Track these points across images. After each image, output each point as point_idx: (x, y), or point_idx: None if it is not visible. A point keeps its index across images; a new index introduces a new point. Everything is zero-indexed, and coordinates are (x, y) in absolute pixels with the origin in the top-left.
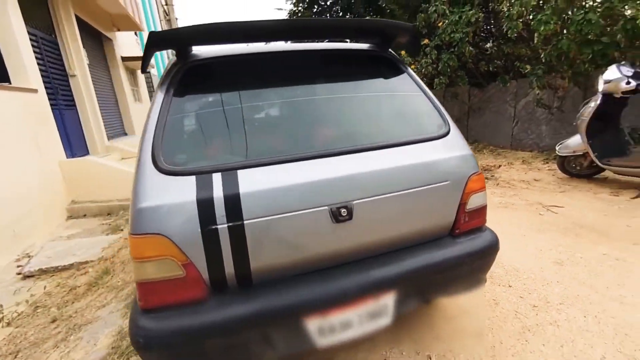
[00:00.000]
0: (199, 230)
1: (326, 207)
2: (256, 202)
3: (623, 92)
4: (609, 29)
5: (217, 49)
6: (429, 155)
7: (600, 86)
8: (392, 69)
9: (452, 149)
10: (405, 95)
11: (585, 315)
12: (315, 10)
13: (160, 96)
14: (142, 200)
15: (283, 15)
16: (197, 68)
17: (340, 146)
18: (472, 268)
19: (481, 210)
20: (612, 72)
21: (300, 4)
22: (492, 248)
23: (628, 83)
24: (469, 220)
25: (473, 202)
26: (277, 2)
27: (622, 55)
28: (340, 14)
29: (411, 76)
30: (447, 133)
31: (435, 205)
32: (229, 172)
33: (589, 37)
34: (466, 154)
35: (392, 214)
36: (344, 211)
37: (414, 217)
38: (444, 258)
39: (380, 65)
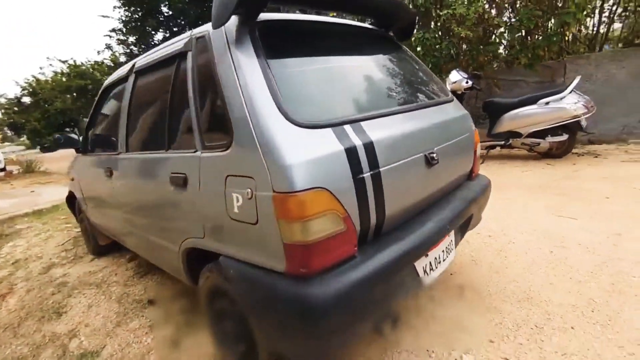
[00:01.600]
0: (352, 180)
1: (422, 154)
2: (383, 151)
3: (464, 89)
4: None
5: (271, 15)
6: (455, 113)
7: (449, 86)
8: (400, 48)
9: (460, 109)
10: (417, 68)
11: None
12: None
13: (245, 55)
14: (293, 154)
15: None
16: (269, 29)
17: (406, 104)
18: (480, 205)
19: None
20: (455, 76)
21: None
22: (490, 187)
23: (467, 82)
24: (476, 165)
25: (477, 151)
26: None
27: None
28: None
29: (412, 55)
30: (453, 98)
31: (466, 152)
32: (354, 123)
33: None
34: (467, 113)
35: (453, 159)
36: (434, 156)
37: (460, 163)
38: (473, 196)
39: (392, 44)
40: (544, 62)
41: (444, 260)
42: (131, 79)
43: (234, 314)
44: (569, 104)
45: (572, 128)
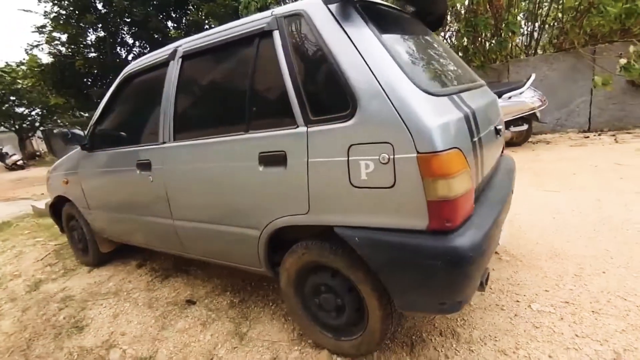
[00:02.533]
0: (470, 143)
1: (492, 126)
2: (479, 119)
3: None
4: None
5: None
6: (492, 95)
7: None
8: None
9: (492, 93)
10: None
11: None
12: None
13: (360, 30)
14: (432, 118)
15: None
16: (365, 8)
17: (470, 83)
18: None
19: None
20: None
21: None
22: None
23: None
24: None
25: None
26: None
27: None
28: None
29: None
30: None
31: (503, 131)
32: (458, 94)
33: None
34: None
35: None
36: (499, 129)
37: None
38: (512, 168)
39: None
40: (491, 64)
41: (504, 221)
42: (174, 64)
43: (337, 286)
44: (528, 97)
45: (530, 119)
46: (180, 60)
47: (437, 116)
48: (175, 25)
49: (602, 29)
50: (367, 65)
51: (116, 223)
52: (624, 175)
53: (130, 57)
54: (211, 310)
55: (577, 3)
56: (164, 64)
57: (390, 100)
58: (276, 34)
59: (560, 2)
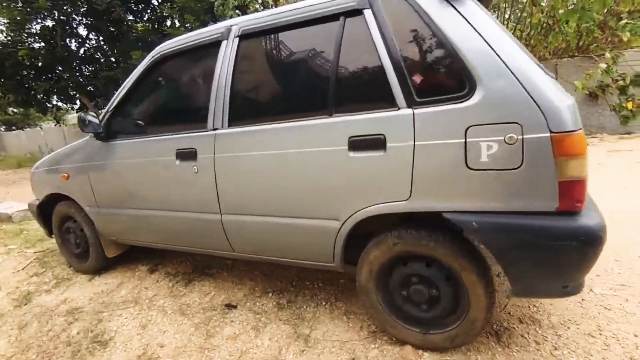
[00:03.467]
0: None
1: None
2: None
3: None
4: None
5: None
6: None
7: None
8: None
9: None
10: None
11: None
12: None
13: (472, 8)
14: (562, 99)
15: None
16: None
17: None
18: None
19: None
20: None
21: None
22: None
23: None
24: None
25: None
26: None
27: None
28: None
29: None
30: None
31: None
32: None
33: None
34: None
35: None
36: None
37: None
38: None
39: None
40: None
41: None
42: (229, 44)
43: (433, 276)
44: None
45: None
46: (237, 39)
47: (563, 97)
48: (135, 19)
49: (563, 45)
50: (487, 43)
51: (135, 221)
52: (607, 172)
53: (82, 51)
54: (258, 313)
55: (542, 22)
56: (212, 44)
57: (518, 80)
58: (368, 13)
59: (528, 20)
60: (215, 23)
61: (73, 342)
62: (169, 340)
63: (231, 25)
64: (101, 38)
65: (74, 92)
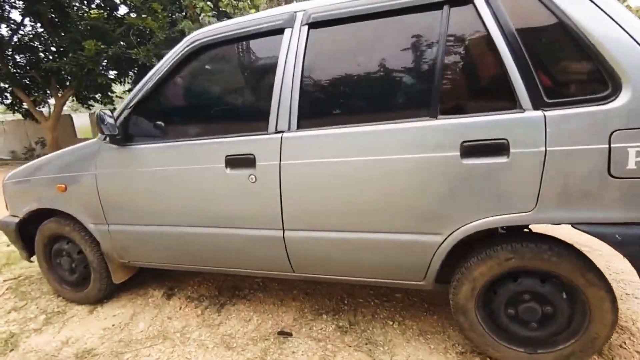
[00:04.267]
0: None
1: None
2: None
3: None
4: None
5: None
6: None
7: None
8: None
9: None
10: None
11: None
12: None
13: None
14: None
15: None
16: None
17: None
18: None
19: None
20: None
21: None
22: None
23: None
24: None
25: None
26: None
27: None
28: None
29: None
30: None
31: None
32: None
33: None
34: None
35: None
36: None
37: None
38: None
39: None
40: None
41: None
42: (295, 33)
43: (548, 293)
44: None
45: None
46: (307, 28)
47: None
48: (82, 4)
49: None
50: (633, 38)
51: (162, 240)
52: None
53: (15, 39)
54: (319, 340)
55: None
56: (270, 33)
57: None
58: (480, 3)
59: None
60: (182, 13)
61: None
62: None
63: (295, 12)
64: (39, 25)
65: (7, 85)
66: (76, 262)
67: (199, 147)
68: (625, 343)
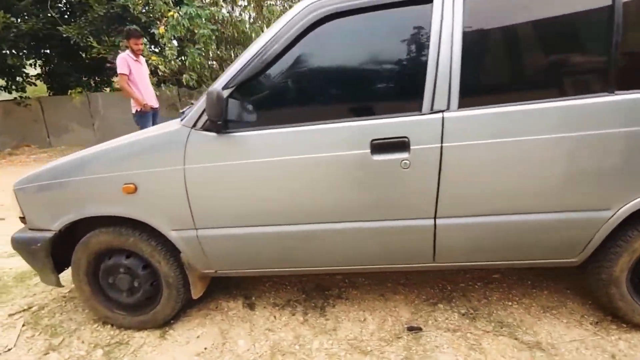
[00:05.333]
0: None
1: None
2: None
3: None
4: None
5: None
6: None
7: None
8: None
9: None
10: None
11: None
12: None
13: None
14: None
15: None
16: None
17: None
18: None
19: None
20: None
21: None
22: None
23: None
24: None
25: None
26: None
27: None
28: None
29: None
30: None
31: None
32: None
33: None
34: None
35: None
36: None
37: None
38: None
39: None
40: None
41: None
42: None
43: None
44: None
45: None
46: None
47: None
48: None
49: None
50: None
51: (270, 242)
52: None
53: None
54: (453, 330)
55: None
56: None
57: None
58: None
59: None
60: None
61: None
62: None
63: None
64: None
65: None
66: (141, 280)
67: (333, 132)
68: None
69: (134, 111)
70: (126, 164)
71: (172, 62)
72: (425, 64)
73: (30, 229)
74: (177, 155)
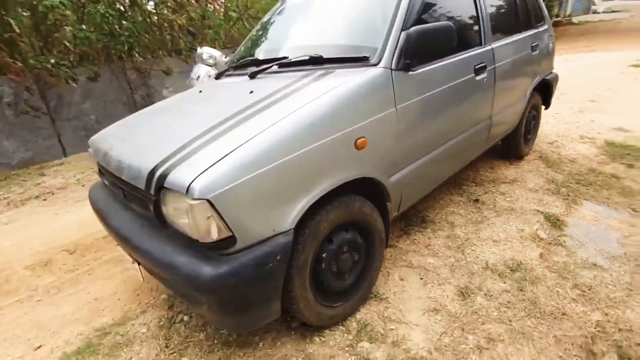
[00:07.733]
0: None
1: None
2: None
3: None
4: None
5: None
6: None
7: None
8: None
9: None
10: None
11: None
12: None
13: None
14: None
15: None
16: None
17: None
18: None
19: None
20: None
21: None
22: None
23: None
24: None
25: None
26: None
27: None
28: None
29: None
30: None
31: None
32: None
33: None
34: None
35: None
36: None
37: None
38: None
39: None
40: None
41: None
42: None
43: None
44: None
45: None
46: None
47: None
48: None
49: None
50: None
51: (435, 163)
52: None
53: None
54: (502, 193)
55: None
56: None
57: None
58: None
59: None
60: None
61: None
62: None
63: None
64: None
65: None
66: (360, 252)
67: (468, 60)
68: None
69: None
70: (349, 117)
71: None
72: (478, 18)
73: (243, 249)
74: (389, 98)
